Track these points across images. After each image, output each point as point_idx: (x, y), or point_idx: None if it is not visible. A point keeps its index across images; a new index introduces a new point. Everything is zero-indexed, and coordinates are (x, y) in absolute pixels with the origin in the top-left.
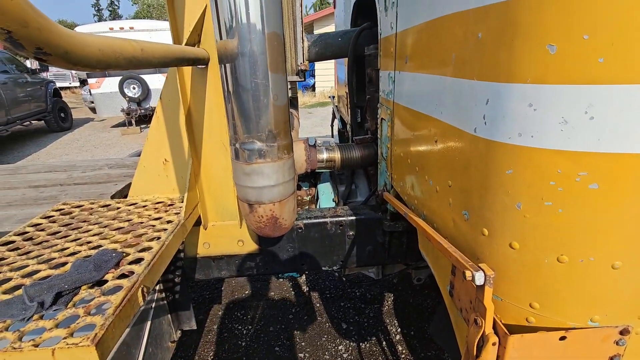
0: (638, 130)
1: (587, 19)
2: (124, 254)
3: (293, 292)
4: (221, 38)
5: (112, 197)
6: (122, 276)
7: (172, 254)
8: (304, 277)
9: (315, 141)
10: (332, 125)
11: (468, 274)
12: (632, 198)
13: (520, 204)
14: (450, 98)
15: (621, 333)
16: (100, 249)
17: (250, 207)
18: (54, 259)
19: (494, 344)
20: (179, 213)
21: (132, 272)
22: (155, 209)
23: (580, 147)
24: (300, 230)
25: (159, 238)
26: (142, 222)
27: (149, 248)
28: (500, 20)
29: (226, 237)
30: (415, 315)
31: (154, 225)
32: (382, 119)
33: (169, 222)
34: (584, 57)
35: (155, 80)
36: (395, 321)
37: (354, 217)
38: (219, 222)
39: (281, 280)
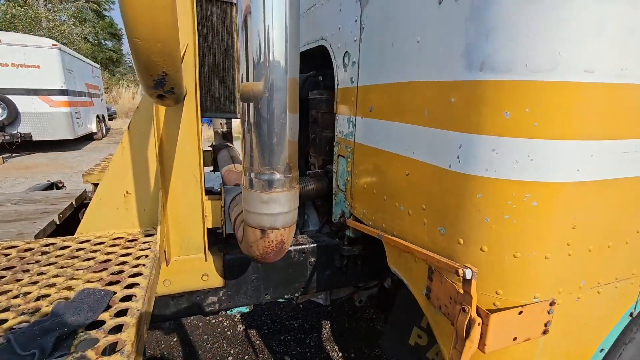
0: (557, 167)
1: (527, 99)
2: (113, 292)
3: (229, 332)
4: (247, 79)
5: (36, 237)
6: (118, 314)
7: (155, 290)
8: (237, 315)
9: None
10: None
11: (461, 271)
12: (556, 210)
13: (488, 218)
14: (423, 142)
15: (551, 304)
16: (82, 288)
17: (262, 232)
18: (19, 305)
19: (479, 324)
20: (149, 248)
21: (126, 310)
22: (117, 244)
23: (525, 178)
24: None
25: (141, 274)
26: (109, 260)
27: (136, 284)
28: (470, 92)
29: (190, 271)
30: (352, 338)
31: (125, 262)
32: (339, 155)
33: (144, 256)
34: (527, 122)
35: (29, 103)
36: (335, 346)
37: (315, 245)
38: (183, 257)
39: (214, 321)
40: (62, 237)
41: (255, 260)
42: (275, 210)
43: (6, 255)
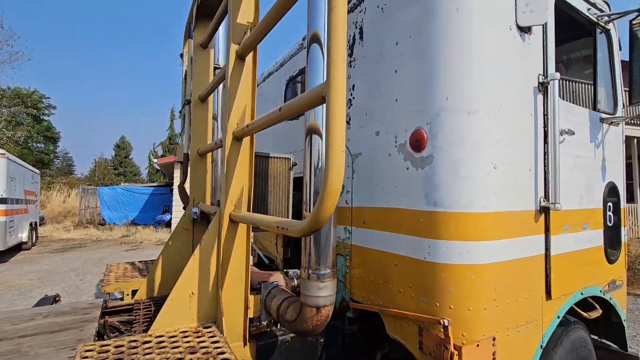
0: (481, 256)
1: (460, 221)
2: None
3: None
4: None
5: (94, 341)
6: None
7: None
8: None
9: (287, 272)
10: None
11: (442, 321)
12: (485, 279)
13: (451, 288)
14: (405, 244)
15: (493, 339)
16: None
17: (317, 310)
18: None
19: (456, 355)
20: (215, 336)
21: None
22: (188, 336)
23: (465, 262)
24: (287, 343)
25: (224, 352)
26: (194, 346)
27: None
28: (431, 216)
29: None
30: None
31: (208, 352)
32: (337, 254)
33: (216, 341)
34: (461, 232)
35: None
36: None
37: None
38: (230, 344)
39: None
40: (139, 335)
41: (304, 333)
42: (326, 294)
43: (106, 351)
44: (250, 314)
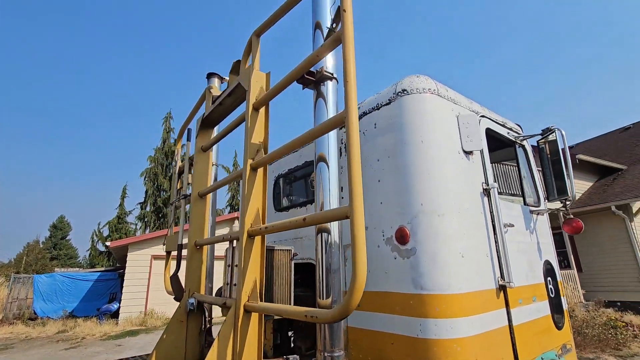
0: (464, 330)
1: (442, 301)
2: None
3: None
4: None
5: None
6: None
7: None
8: None
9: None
10: None
11: None
12: (468, 349)
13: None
14: (399, 323)
15: None
16: None
17: None
18: None
19: None
20: None
21: None
22: None
23: (451, 337)
24: None
25: None
26: None
27: None
28: (418, 298)
29: None
30: None
31: None
32: None
33: None
34: (445, 311)
35: None
36: None
37: None
38: None
39: None
40: None
41: None
42: None
43: None
44: None
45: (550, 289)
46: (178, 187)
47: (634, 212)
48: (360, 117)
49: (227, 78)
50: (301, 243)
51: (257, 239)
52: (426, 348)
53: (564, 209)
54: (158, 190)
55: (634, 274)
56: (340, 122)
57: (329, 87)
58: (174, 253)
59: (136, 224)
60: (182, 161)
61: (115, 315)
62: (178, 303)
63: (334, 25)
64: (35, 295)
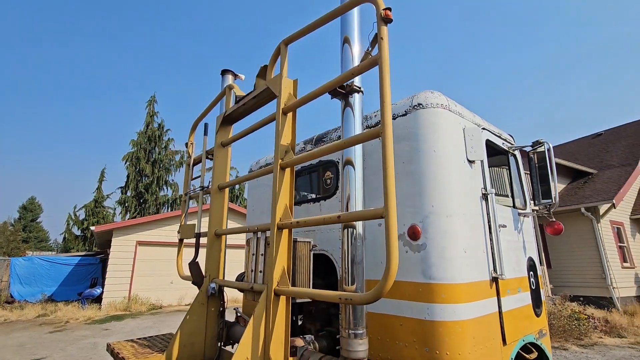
0: (464, 313)
1: (447, 290)
2: None
3: None
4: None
5: None
6: None
7: None
8: None
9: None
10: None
11: None
12: (466, 330)
13: (446, 339)
14: (407, 307)
15: None
16: None
17: None
18: None
19: None
20: None
21: None
22: None
23: (455, 319)
24: None
25: None
26: None
27: None
28: (427, 287)
29: None
30: None
31: None
32: None
33: None
34: (450, 297)
35: None
36: None
37: None
38: None
39: None
40: None
41: None
42: (364, 348)
43: None
44: None
45: (532, 282)
46: (188, 176)
47: (601, 214)
48: (375, 125)
49: (241, 76)
50: (314, 236)
51: (285, 231)
52: (432, 328)
53: (547, 212)
54: (140, 175)
55: (597, 272)
56: (376, 136)
57: (356, 99)
58: (187, 241)
59: (114, 209)
60: (189, 156)
61: (97, 300)
62: (159, 292)
63: (370, 49)
64: (12, 279)
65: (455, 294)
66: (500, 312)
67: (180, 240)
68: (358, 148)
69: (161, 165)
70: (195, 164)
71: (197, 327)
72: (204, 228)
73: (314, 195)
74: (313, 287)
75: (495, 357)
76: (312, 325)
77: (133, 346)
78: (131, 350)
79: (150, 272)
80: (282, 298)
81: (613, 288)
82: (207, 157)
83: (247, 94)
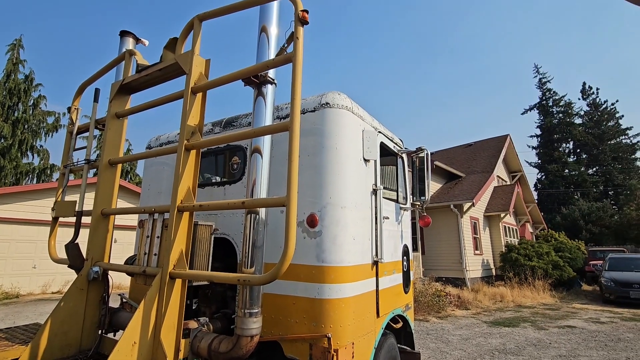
0: (347, 291)
1: (336, 272)
2: None
3: None
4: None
5: None
6: None
7: None
8: None
9: None
10: None
11: (328, 334)
12: (349, 304)
13: (332, 314)
14: (301, 288)
15: (352, 345)
16: None
17: (251, 338)
18: None
19: (334, 355)
20: None
21: None
22: None
23: (340, 296)
24: None
25: None
26: None
27: None
28: (319, 269)
29: None
30: None
31: None
32: None
33: None
34: (338, 277)
35: None
36: None
37: None
38: None
39: None
40: None
41: (237, 359)
42: (257, 325)
43: None
44: (181, 356)
45: (405, 265)
46: (69, 146)
47: (464, 210)
48: (285, 117)
49: (144, 41)
50: (215, 219)
51: (186, 214)
52: (321, 305)
53: (420, 207)
54: None
55: (456, 257)
56: (284, 129)
57: (269, 90)
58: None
59: None
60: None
61: None
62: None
63: (286, 45)
64: None
65: (342, 275)
66: (377, 290)
67: (55, 219)
68: (267, 137)
69: (26, 127)
70: (79, 132)
71: (73, 314)
72: (87, 206)
73: (218, 179)
74: (212, 270)
75: (370, 327)
76: (207, 309)
77: None
78: None
79: (4, 254)
80: (178, 281)
81: (466, 270)
82: (95, 127)
83: (153, 65)
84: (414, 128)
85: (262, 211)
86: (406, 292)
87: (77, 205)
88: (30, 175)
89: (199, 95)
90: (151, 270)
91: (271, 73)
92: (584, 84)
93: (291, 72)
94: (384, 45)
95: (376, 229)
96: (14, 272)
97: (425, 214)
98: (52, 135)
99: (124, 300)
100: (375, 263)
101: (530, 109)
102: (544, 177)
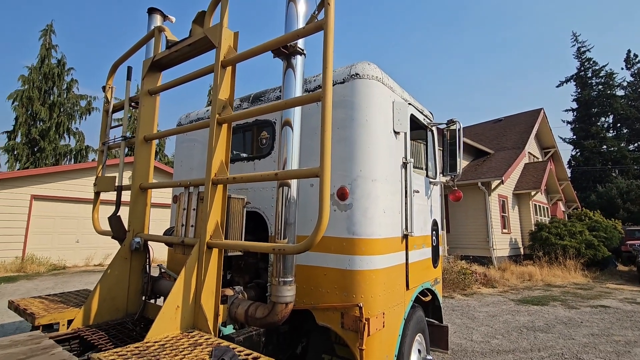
0: (379, 263)
1: (368, 244)
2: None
3: None
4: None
5: None
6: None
7: None
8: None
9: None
10: None
11: (359, 304)
12: (380, 277)
13: (362, 285)
14: (331, 259)
15: (383, 314)
16: (216, 349)
17: (286, 305)
18: None
19: (366, 323)
20: (204, 337)
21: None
22: (181, 339)
23: (372, 268)
24: (239, 343)
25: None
26: (196, 345)
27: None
28: (350, 241)
29: None
30: None
31: (209, 344)
32: None
33: (208, 340)
34: (370, 249)
35: None
36: None
37: (264, 330)
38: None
39: None
40: (136, 344)
41: (273, 324)
42: (292, 293)
43: (124, 356)
44: (220, 320)
45: (434, 239)
46: (106, 123)
47: (492, 188)
48: (314, 89)
49: (172, 18)
50: (246, 194)
51: (220, 187)
52: (352, 276)
53: (451, 182)
54: (33, 119)
55: (483, 236)
56: (316, 99)
57: (298, 61)
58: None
59: None
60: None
61: None
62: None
63: (316, 12)
64: None
65: (373, 248)
66: (407, 263)
67: (97, 194)
68: (297, 110)
69: (62, 110)
70: (114, 110)
71: (119, 282)
72: (125, 181)
73: (246, 155)
74: None
75: (399, 299)
76: (240, 279)
77: (43, 302)
78: (41, 306)
79: (50, 229)
80: (215, 251)
81: (493, 249)
82: (130, 105)
83: (182, 40)
84: (440, 105)
85: (294, 184)
86: (435, 267)
87: (116, 180)
88: (68, 156)
89: (229, 69)
90: (189, 240)
91: (300, 43)
92: (629, 51)
93: (322, 42)
94: (411, 20)
95: (406, 203)
96: (60, 246)
97: (455, 188)
98: (85, 117)
99: (163, 270)
100: (405, 237)
101: (567, 80)
102: (578, 153)
